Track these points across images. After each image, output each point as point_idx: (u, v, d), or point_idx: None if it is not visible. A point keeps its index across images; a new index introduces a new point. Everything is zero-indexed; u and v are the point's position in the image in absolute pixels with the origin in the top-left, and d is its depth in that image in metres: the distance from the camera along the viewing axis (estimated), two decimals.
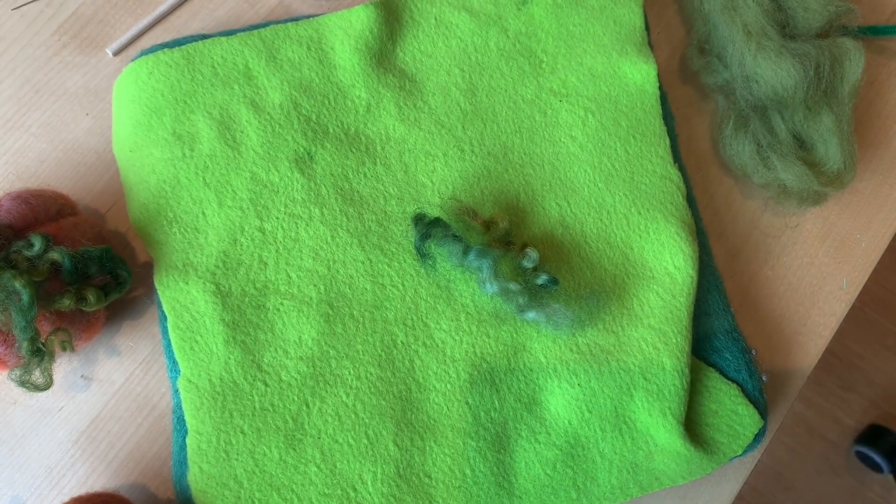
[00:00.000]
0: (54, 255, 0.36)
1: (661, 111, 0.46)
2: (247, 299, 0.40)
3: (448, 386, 0.40)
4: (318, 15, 0.47)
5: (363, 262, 0.42)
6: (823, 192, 0.45)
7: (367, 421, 0.39)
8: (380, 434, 0.39)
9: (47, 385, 0.37)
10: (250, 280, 0.41)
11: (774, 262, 0.47)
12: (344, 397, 0.39)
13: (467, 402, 0.40)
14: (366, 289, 0.41)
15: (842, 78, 0.45)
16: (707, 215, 0.47)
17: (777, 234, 0.47)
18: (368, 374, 0.40)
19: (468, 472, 0.38)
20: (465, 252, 0.39)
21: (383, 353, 0.40)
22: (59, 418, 0.42)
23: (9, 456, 0.41)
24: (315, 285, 0.41)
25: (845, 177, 0.44)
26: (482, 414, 0.39)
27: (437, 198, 0.43)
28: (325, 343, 0.40)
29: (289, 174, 0.43)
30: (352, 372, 0.40)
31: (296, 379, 0.39)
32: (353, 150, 0.44)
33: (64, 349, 0.38)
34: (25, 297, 0.34)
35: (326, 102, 0.44)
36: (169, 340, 0.40)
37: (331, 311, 0.41)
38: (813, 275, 0.46)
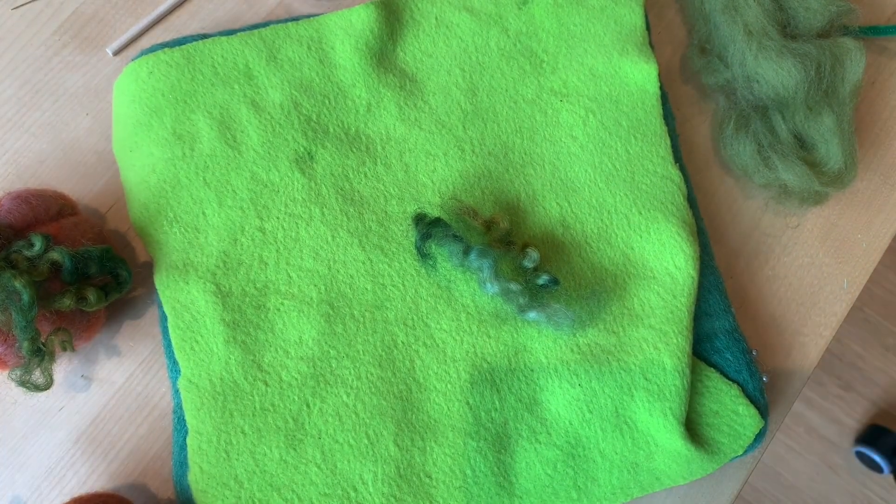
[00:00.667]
0: (54, 254, 0.36)
1: (661, 111, 0.45)
2: (247, 299, 0.40)
3: (448, 386, 0.40)
4: (318, 14, 0.47)
5: (364, 262, 0.41)
6: (824, 192, 0.45)
7: (368, 421, 0.39)
8: (380, 434, 0.39)
9: (48, 385, 0.37)
10: (251, 280, 0.41)
11: (775, 262, 0.47)
12: (344, 397, 0.39)
13: (468, 402, 0.40)
14: (366, 289, 0.41)
15: (843, 78, 0.45)
16: (708, 215, 0.47)
17: (778, 234, 0.47)
18: (369, 374, 0.40)
19: (469, 472, 0.38)
20: (466, 252, 0.39)
21: (384, 353, 0.40)
22: (59, 418, 0.42)
23: (9, 456, 0.41)
24: (315, 285, 0.41)
25: (846, 177, 0.44)
26: (483, 414, 0.39)
27: (438, 198, 0.43)
28: (326, 343, 0.40)
29: (289, 174, 0.43)
30: (352, 372, 0.40)
31: (296, 379, 0.39)
32: (354, 149, 0.44)
33: (64, 349, 0.38)
34: (26, 297, 0.34)
35: (327, 102, 0.44)
36: (169, 340, 0.40)
37: (331, 311, 0.41)
38: (814, 275, 0.46)
